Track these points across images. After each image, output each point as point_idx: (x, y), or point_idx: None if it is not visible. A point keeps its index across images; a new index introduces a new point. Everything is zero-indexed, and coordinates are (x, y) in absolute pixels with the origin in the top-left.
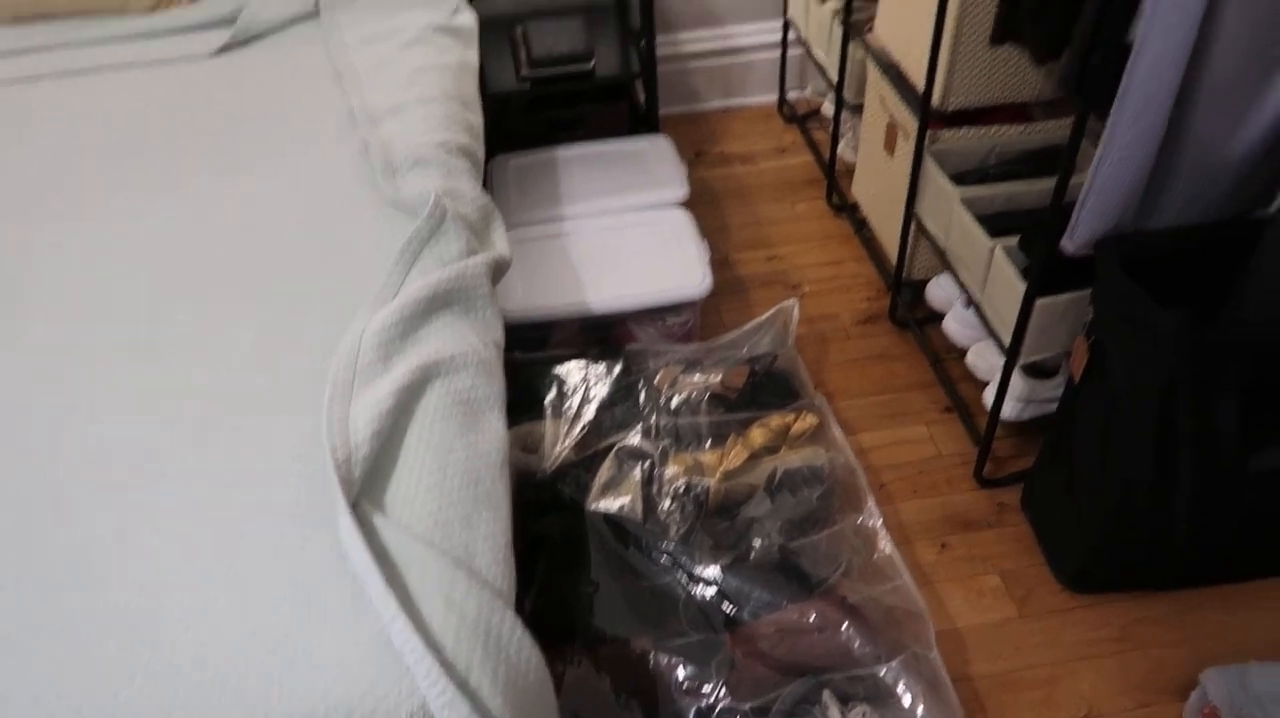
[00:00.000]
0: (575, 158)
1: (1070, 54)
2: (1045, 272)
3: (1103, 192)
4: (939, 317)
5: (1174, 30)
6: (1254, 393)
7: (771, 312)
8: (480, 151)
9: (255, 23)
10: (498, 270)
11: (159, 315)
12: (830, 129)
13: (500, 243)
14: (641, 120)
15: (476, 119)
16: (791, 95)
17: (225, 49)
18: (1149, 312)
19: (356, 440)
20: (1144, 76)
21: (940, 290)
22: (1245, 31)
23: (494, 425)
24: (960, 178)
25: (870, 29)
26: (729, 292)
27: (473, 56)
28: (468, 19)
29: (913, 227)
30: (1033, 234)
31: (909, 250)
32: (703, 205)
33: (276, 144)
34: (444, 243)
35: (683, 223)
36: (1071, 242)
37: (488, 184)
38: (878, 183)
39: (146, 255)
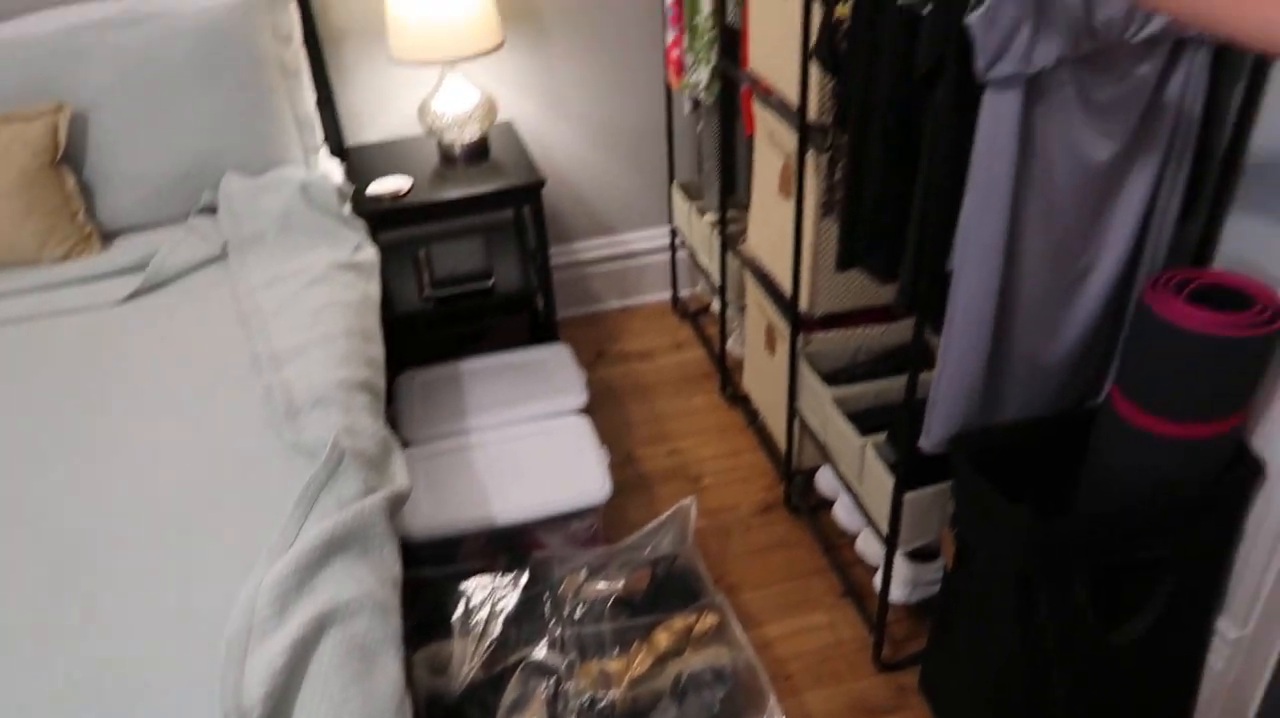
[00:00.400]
0: (479, 370)
1: (903, 277)
2: (911, 467)
3: (947, 396)
4: (832, 502)
5: (986, 258)
6: (1108, 571)
7: (671, 511)
8: (381, 382)
9: (165, 268)
10: (396, 503)
11: (61, 583)
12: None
13: (399, 475)
14: (542, 328)
15: (377, 351)
16: (684, 293)
17: (134, 295)
18: (999, 506)
19: (249, 703)
20: (965, 299)
21: (828, 479)
22: (1047, 254)
23: (390, 669)
24: (833, 376)
25: (744, 240)
26: (633, 489)
27: (375, 289)
28: (369, 254)
29: (796, 421)
30: (899, 430)
31: (796, 443)
32: (606, 404)
33: (182, 391)
34: (342, 484)
35: (582, 430)
36: (927, 441)
37: (394, 402)
38: (763, 379)
39: (49, 515)
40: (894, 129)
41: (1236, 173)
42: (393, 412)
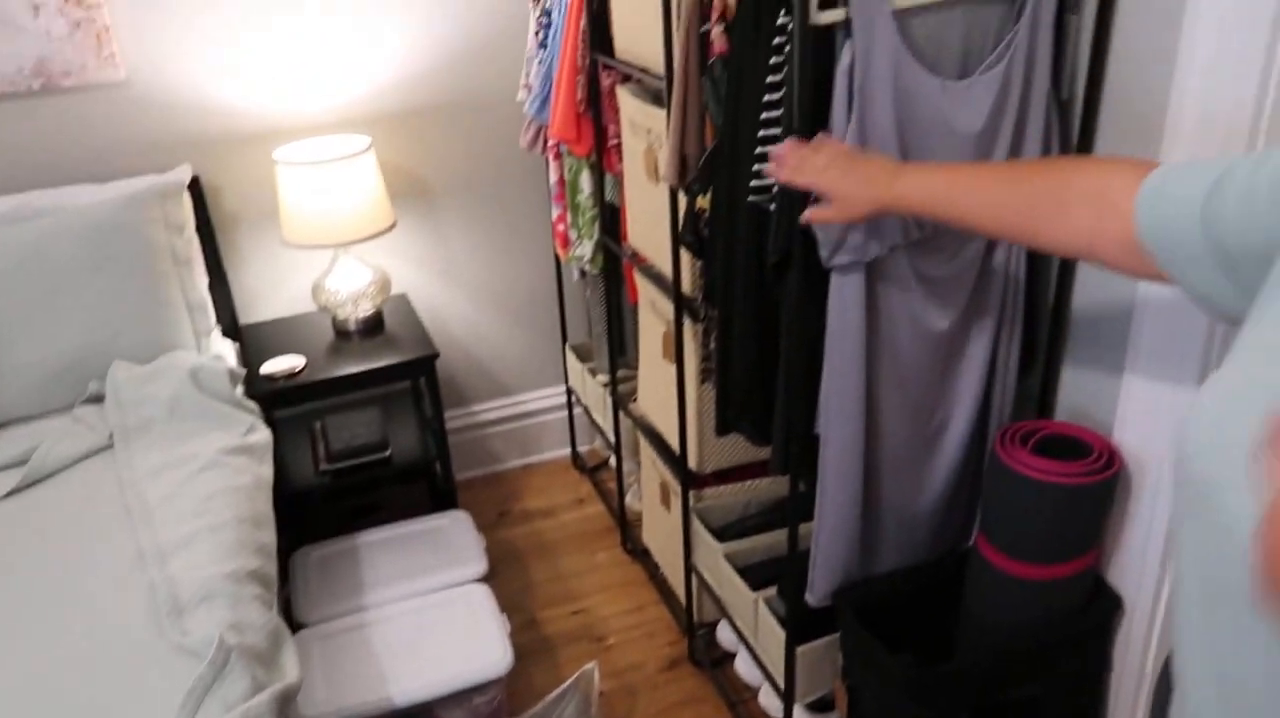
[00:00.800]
0: (376, 542)
1: (775, 442)
2: (802, 621)
3: (827, 551)
4: (734, 656)
5: (848, 421)
6: (992, 710)
7: (573, 678)
8: (273, 569)
9: (48, 461)
10: (286, 698)
11: None
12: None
13: (291, 668)
14: (441, 495)
15: (269, 536)
16: (583, 449)
17: (14, 492)
18: (881, 657)
19: None
20: (833, 459)
21: (729, 632)
22: (904, 414)
23: None
24: (725, 530)
25: (635, 400)
26: (538, 655)
27: (267, 471)
28: (262, 436)
29: (694, 577)
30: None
31: (695, 598)
32: (508, 566)
33: (63, 590)
34: (229, 684)
35: (482, 599)
36: (812, 595)
37: (288, 581)
38: (661, 534)
39: None
40: (755, 309)
41: (1064, 330)
42: (286, 592)
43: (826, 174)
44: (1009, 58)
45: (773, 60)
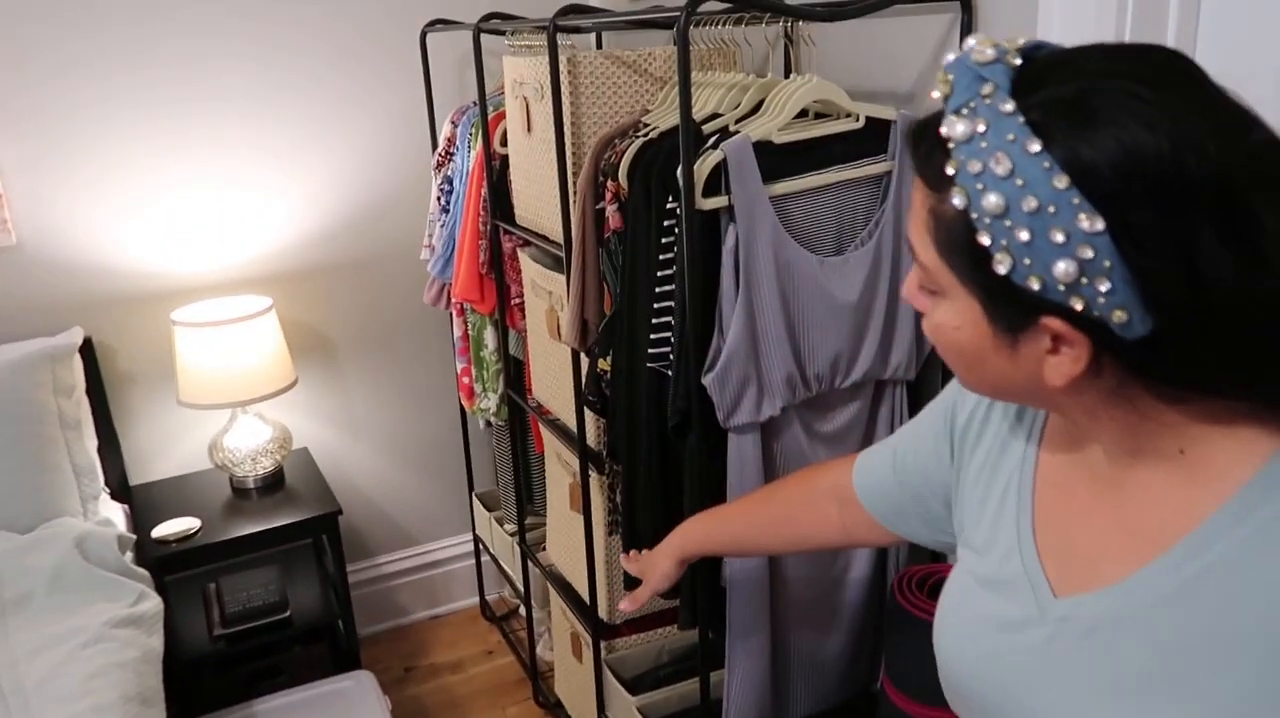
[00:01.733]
0: (274, 710)
1: (683, 596)
2: None
3: (739, 702)
4: None
5: (753, 572)
6: None
7: None
8: None
9: None
10: None
11: None
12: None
13: None
14: (344, 655)
15: (158, 714)
16: (491, 598)
17: None
18: None
19: None
20: (741, 609)
21: None
22: (807, 564)
23: None
24: (638, 680)
25: (544, 548)
26: None
27: (157, 643)
28: (151, 605)
29: None
30: None
31: None
32: None
33: None
34: None
35: None
36: None
37: None
38: (574, 686)
39: None
40: (659, 465)
41: None
42: None
43: (636, 563)
44: (878, 235)
45: (664, 239)
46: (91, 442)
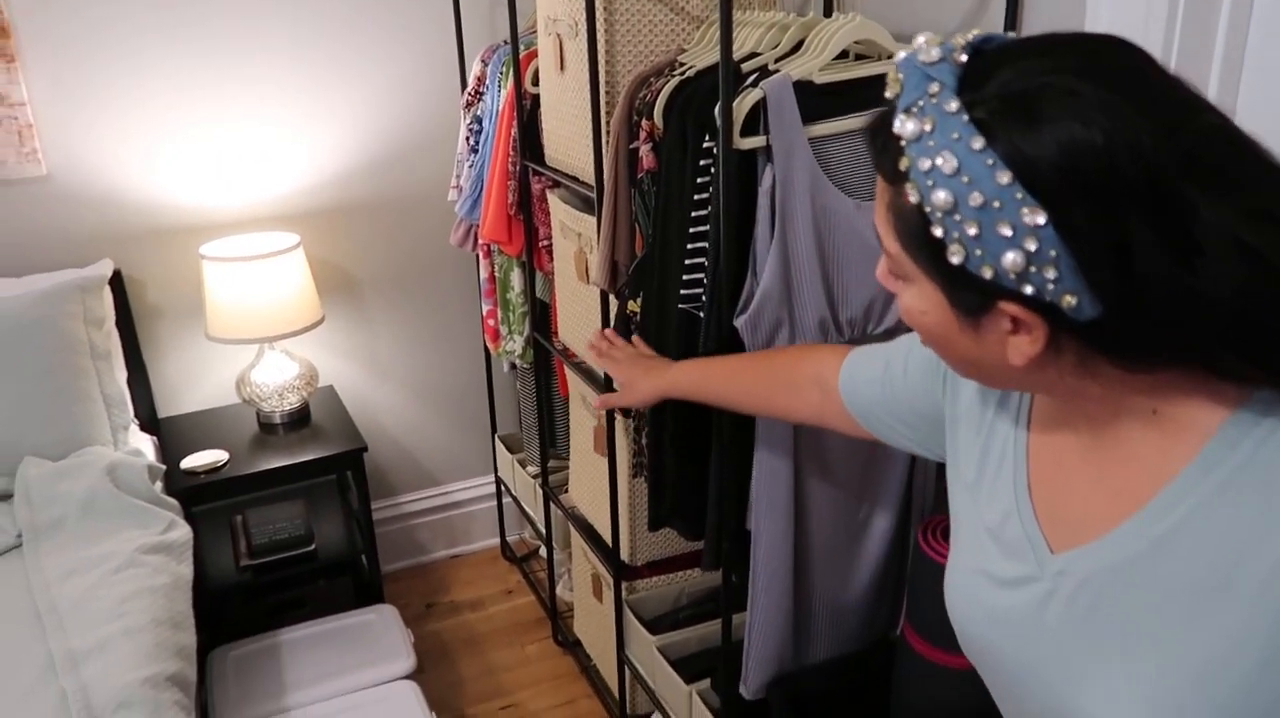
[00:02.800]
0: (300, 640)
1: (707, 539)
2: (735, 713)
3: (759, 644)
4: None
5: (778, 516)
6: None
7: None
8: (192, 673)
9: None
10: None
11: None
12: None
13: None
14: (367, 588)
15: (188, 638)
16: (512, 539)
17: None
18: None
19: None
20: (765, 553)
21: None
22: (831, 509)
23: None
24: (658, 621)
25: (566, 490)
26: None
27: (186, 570)
28: (180, 533)
29: (626, 669)
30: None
31: (628, 690)
32: (436, 661)
33: None
34: None
35: (410, 697)
36: (747, 689)
37: (206, 683)
38: (593, 626)
39: None
40: (685, 408)
41: None
42: (205, 694)
43: (621, 365)
44: None
45: (699, 179)
46: (121, 373)
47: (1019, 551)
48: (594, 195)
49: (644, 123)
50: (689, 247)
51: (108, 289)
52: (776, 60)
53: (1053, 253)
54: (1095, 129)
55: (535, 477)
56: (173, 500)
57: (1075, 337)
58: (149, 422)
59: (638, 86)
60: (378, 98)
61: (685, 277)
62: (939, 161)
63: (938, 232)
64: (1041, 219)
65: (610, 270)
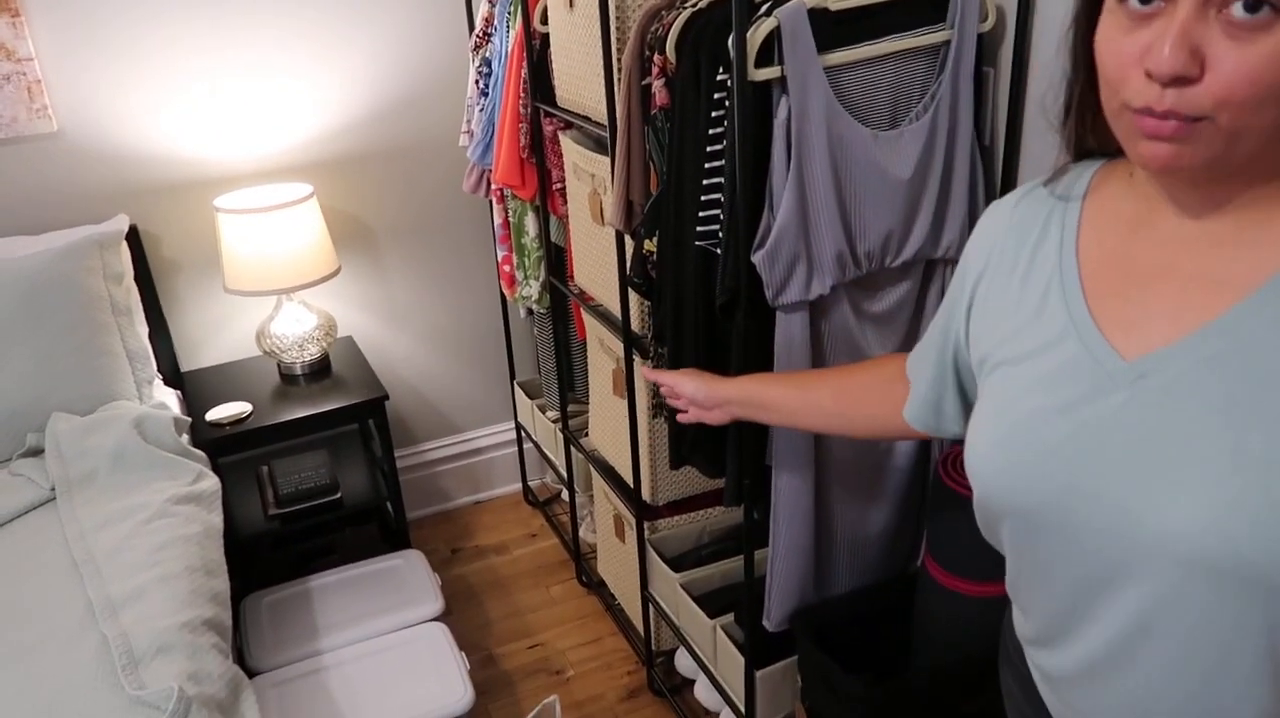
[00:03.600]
0: (330, 585)
1: (728, 476)
2: (760, 645)
3: (782, 578)
4: (693, 682)
5: (798, 451)
6: None
7: (535, 712)
8: (227, 618)
9: None
10: None
11: None
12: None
13: (251, 716)
14: (394, 535)
15: (222, 584)
16: (534, 483)
17: None
18: (838, 678)
19: None
20: (785, 489)
21: (686, 660)
22: (852, 445)
23: None
24: (681, 559)
25: (586, 434)
26: (498, 691)
27: (217, 519)
28: (210, 483)
29: (650, 607)
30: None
31: (652, 627)
32: (463, 603)
33: (12, 648)
34: None
35: (439, 638)
36: (769, 621)
37: (240, 629)
38: (616, 566)
39: None
40: (705, 347)
41: None
42: (239, 639)
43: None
44: (934, 109)
45: (714, 113)
46: (143, 328)
47: (1078, 370)
48: (607, 135)
49: (656, 58)
50: (704, 183)
51: (125, 244)
52: None
53: None
54: None
55: (555, 421)
56: (200, 452)
57: None
58: (172, 376)
59: (649, 20)
60: (385, 43)
61: (701, 213)
62: None
63: None
64: None
65: (625, 210)
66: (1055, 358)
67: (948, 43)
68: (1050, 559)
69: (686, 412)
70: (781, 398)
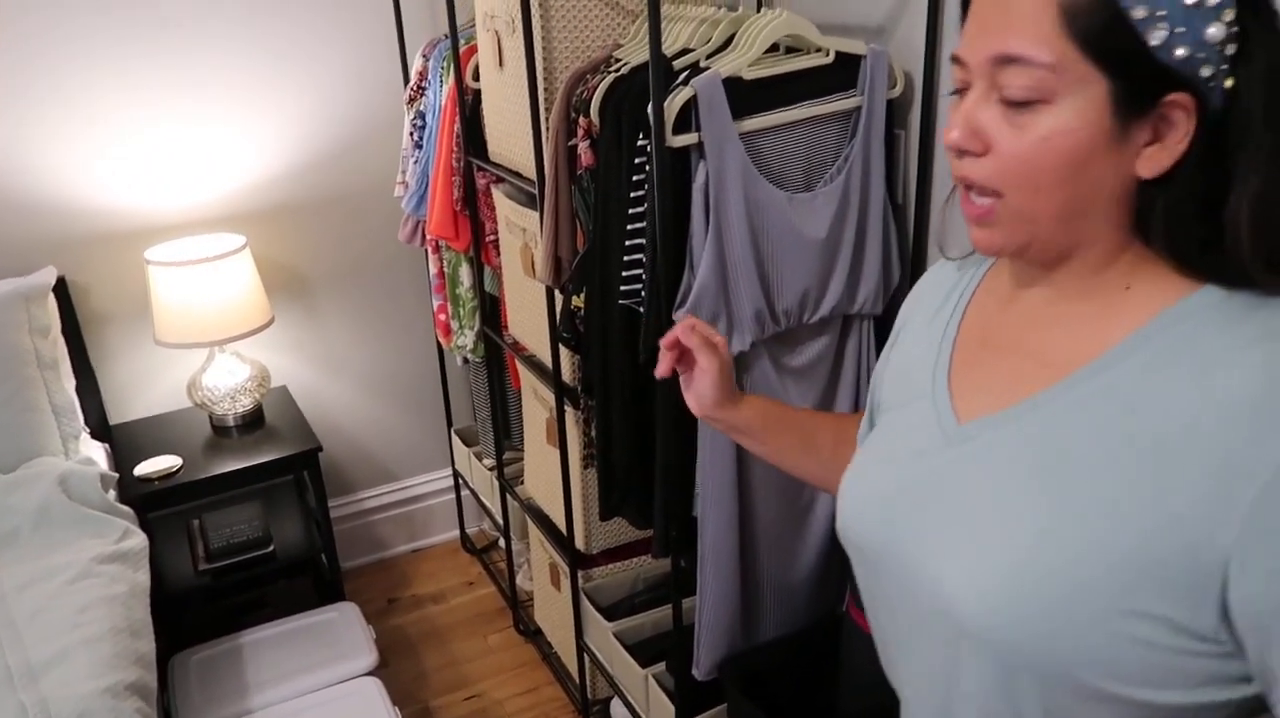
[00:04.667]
0: (261, 640)
1: (656, 527)
2: (691, 694)
3: (710, 627)
4: None
5: (723, 504)
6: None
7: None
8: (152, 680)
9: None
10: None
11: None
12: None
13: None
14: (328, 586)
15: (148, 646)
16: (471, 531)
17: None
18: None
19: None
20: (712, 539)
21: (622, 708)
22: (775, 494)
23: None
24: (614, 607)
25: (522, 482)
26: None
27: (143, 578)
28: (136, 541)
29: (585, 655)
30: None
31: (588, 676)
32: (400, 655)
33: None
34: None
35: (373, 693)
36: (699, 670)
37: (168, 689)
38: (552, 614)
39: None
40: (632, 401)
41: None
42: (167, 700)
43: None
44: (847, 171)
45: (635, 177)
46: (69, 381)
47: (924, 426)
48: (536, 191)
49: (581, 120)
50: (627, 243)
51: (52, 297)
52: (708, 56)
53: (1234, 28)
54: None
55: (491, 469)
56: (127, 509)
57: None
58: (100, 429)
59: (575, 83)
60: (320, 94)
61: (625, 272)
62: None
63: (1139, 11)
64: None
65: (554, 266)
66: (913, 413)
67: (859, 108)
68: (875, 597)
69: (690, 367)
70: (797, 418)
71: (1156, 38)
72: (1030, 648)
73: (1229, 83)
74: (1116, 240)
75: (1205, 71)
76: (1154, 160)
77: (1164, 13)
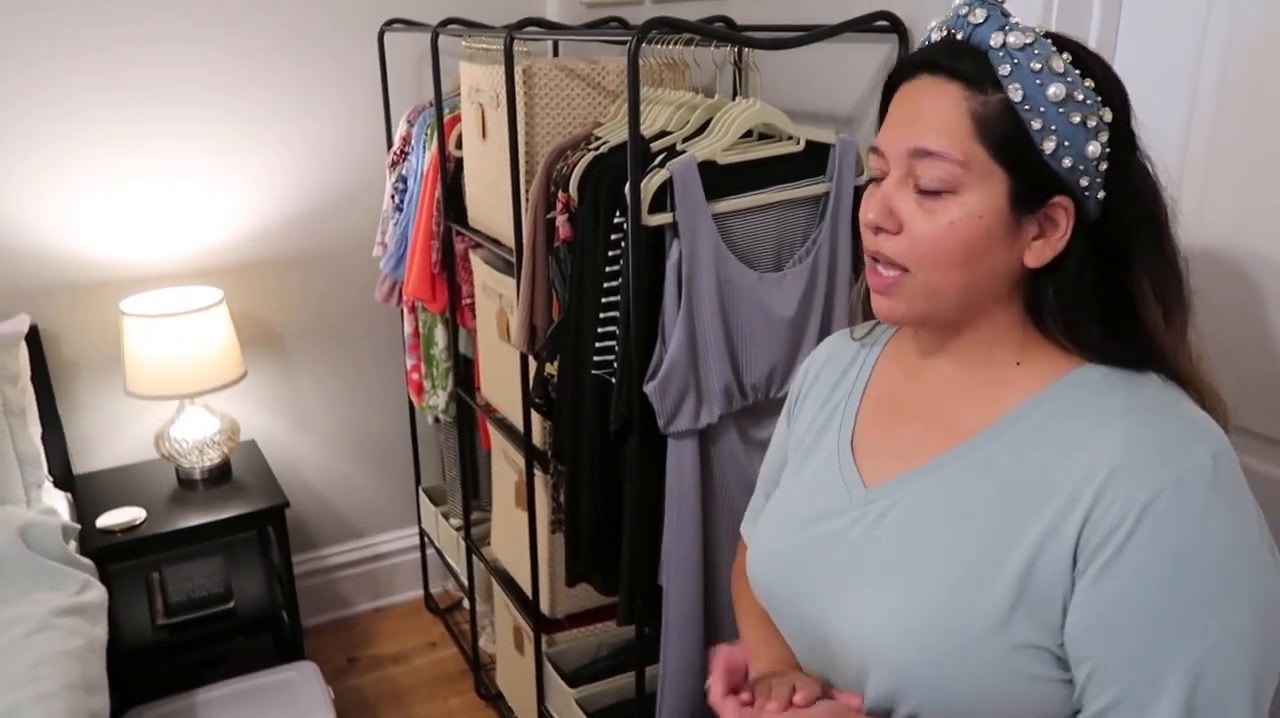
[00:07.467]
0: (217, 699)
1: (621, 595)
2: None
3: (672, 695)
4: None
5: (689, 572)
6: None
7: None
8: None
9: None
10: None
11: None
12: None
13: None
14: (288, 645)
15: (102, 703)
16: (436, 590)
17: None
18: None
19: None
20: (677, 608)
21: None
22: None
23: None
24: (577, 673)
25: (488, 543)
26: None
27: (101, 632)
28: (95, 594)
29: None
30: None
31: None
32: (359, 717)
33: None
34: None
35: None
36: None
37: None
38: (515, 678)
39: None
40: (601, 468)
41: None
42: None
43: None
44: (815, 253)
45: (611, 252)
46: (35, 429)
47: (832, 490)
48: (514, 259)
49: (560, 194)
50: (601, 315)
51: (23, 344)
52: (684, 139)
53: (1107, 149)
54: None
55: (458, 529)
56: (87, 561)
57: (1064, 263)
58: (63, 478)
59: (555, 158)
60: (303, 154)
61: (598, 343)
62: (1053, 64)
63: (1036, 124)
64: (1108, 117)
65: (529, 333)
66: (821, 474)
67: (828, 193)
68: (795, 640)
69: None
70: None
71: (1049, 147)
72: (933, 688)
73: (1101, 194)
74: (1006, 318)
75: (1084, 181)
76: (1038, 253)
77: (1055, 128)
